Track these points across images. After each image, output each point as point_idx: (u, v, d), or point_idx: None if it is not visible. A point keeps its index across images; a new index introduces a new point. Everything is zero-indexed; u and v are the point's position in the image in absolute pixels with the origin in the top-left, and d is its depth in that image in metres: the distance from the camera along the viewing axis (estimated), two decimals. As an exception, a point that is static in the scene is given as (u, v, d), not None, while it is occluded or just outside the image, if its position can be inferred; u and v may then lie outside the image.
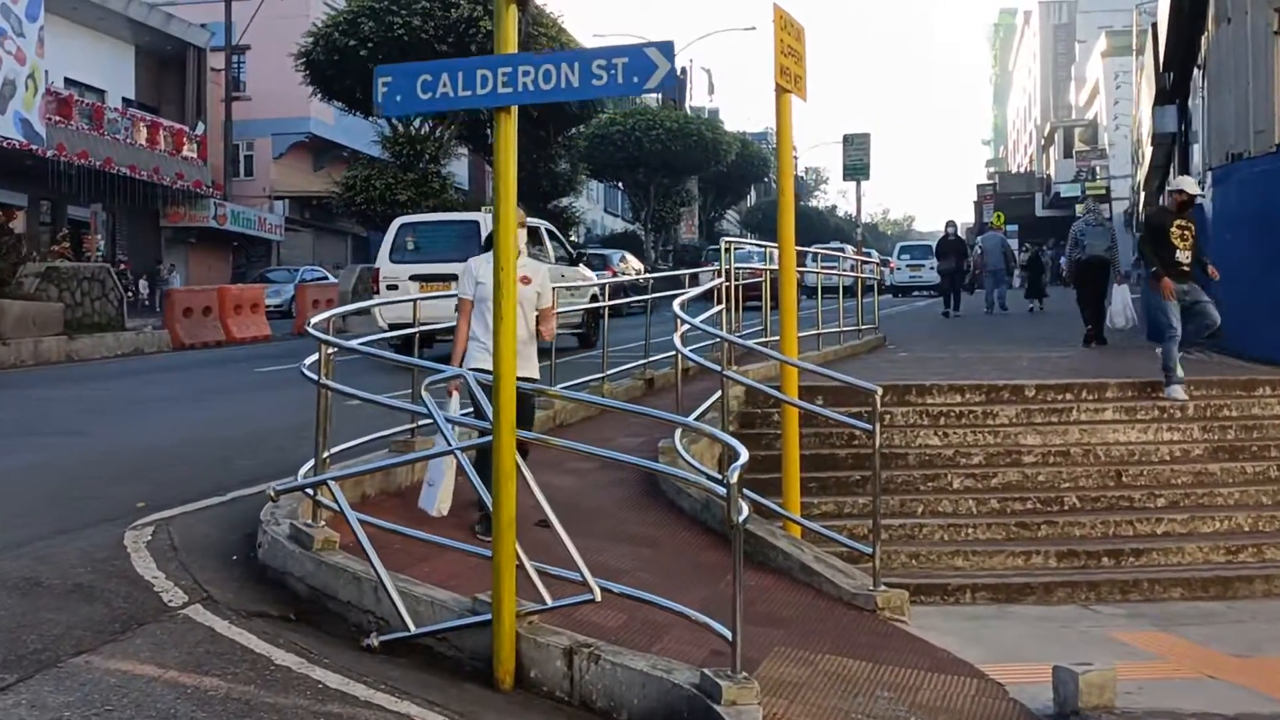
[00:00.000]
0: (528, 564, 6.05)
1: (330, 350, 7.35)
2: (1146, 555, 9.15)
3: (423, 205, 33.09)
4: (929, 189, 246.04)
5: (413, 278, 15.16)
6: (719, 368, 8.59)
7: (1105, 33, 59.88)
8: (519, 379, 6.01)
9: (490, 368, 6.10)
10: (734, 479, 5.16)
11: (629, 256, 42.74)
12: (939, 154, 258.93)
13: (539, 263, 8.18)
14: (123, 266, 42.03)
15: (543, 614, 6.07)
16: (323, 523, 7.10)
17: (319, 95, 34.51)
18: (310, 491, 7.10)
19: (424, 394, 6.60)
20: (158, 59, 46.98)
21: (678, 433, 9.47)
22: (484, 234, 20.99)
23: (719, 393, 9.30)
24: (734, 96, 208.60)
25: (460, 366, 7.39)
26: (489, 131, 42.24)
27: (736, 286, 13.97)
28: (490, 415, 5.87)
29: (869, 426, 7.52)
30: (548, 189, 41.54)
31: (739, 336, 12.48)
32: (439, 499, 7.74)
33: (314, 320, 7.44)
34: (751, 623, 6.64)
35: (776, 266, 10.34)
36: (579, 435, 11.37)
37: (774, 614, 7.20)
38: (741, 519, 5.20)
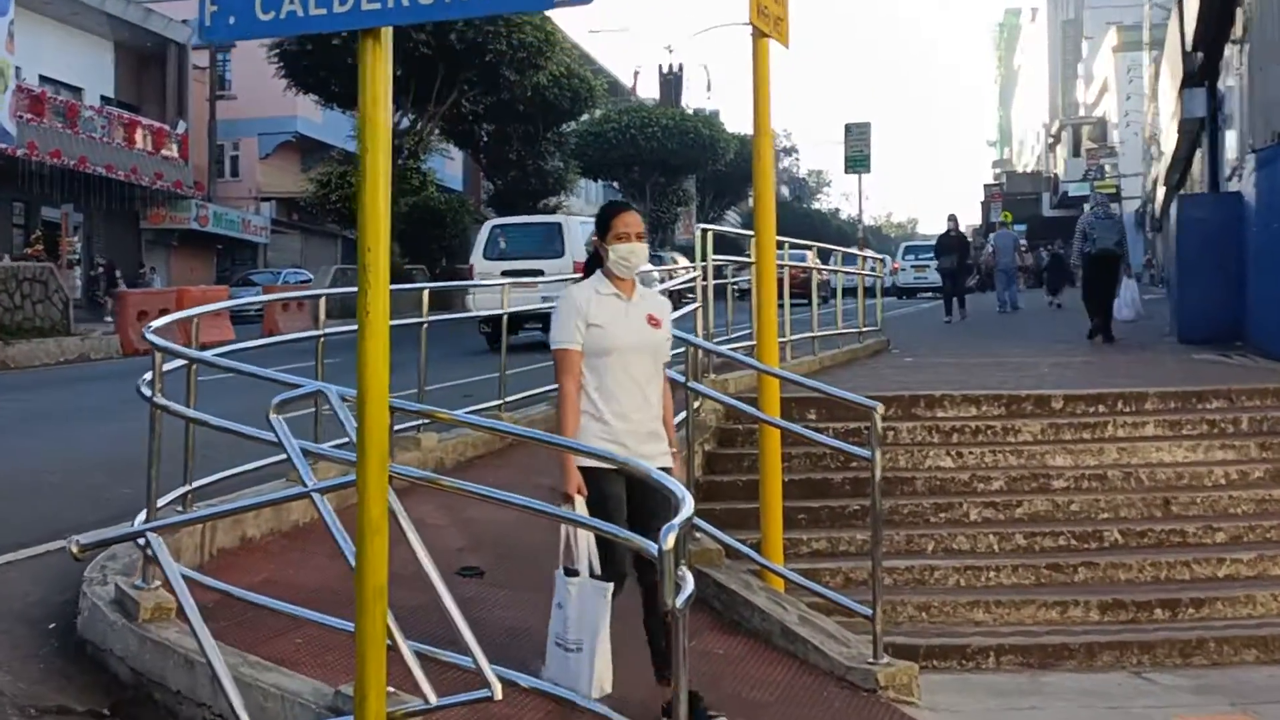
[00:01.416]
0: (403, 646, 4.47)
1: (174, 364, 5.76)
2: (1209, 605, 7.49)
3: (401, 203, 31.56)
4: (932, 192, 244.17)
5: (503, 273, 15.78)
6: (683, 379, 6.97)
7: (1115, 28, 58.14)
8: (658, 469, 4.36)
9: (622, 455, 4.69)
10: (668, 544, 3.59)
11: (679, 256, 40.61)
12: (942, 157, 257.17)
13: (662, 296, 5.48)
14: (101, 269, 40.58)
15: (426, 715, 4.48)
16: (158, 583, 5.48)
17: (294, 89, 32.91)
18: (143, 541, 5.48)
19: (271, 417, 4.98)
20: (138, 56, 45.43)
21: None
22: (567, 237, 19.19)
23: (689, 410, 7.66)
24: (733, 97, 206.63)
25: (571, 439, 5.02)
26: (477, 128, 41.18)
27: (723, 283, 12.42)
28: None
29: (866, 453, 5.90)
30: (537, 187, 39.98)
31: (718, 340, 10.89)
32: (596, 674, 4.67)
33: (155, 325, 5.83)
34: (716, 708, 5.07)
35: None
36: (521, 460, 9.77)
37: (745, 696, 5.60)
38: (681, 601, 3.64)
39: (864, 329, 16.11)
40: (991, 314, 25.36)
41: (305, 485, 4.89)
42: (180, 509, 6.39)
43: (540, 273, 14.01)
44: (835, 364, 13.90)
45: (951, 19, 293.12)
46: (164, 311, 24.02)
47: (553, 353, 4.95)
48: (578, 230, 19.49)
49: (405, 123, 32.11)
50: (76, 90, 41.51)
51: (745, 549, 6.67)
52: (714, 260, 10.92)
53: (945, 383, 11.18)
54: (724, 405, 7.37)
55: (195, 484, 6.54)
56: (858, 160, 22.39)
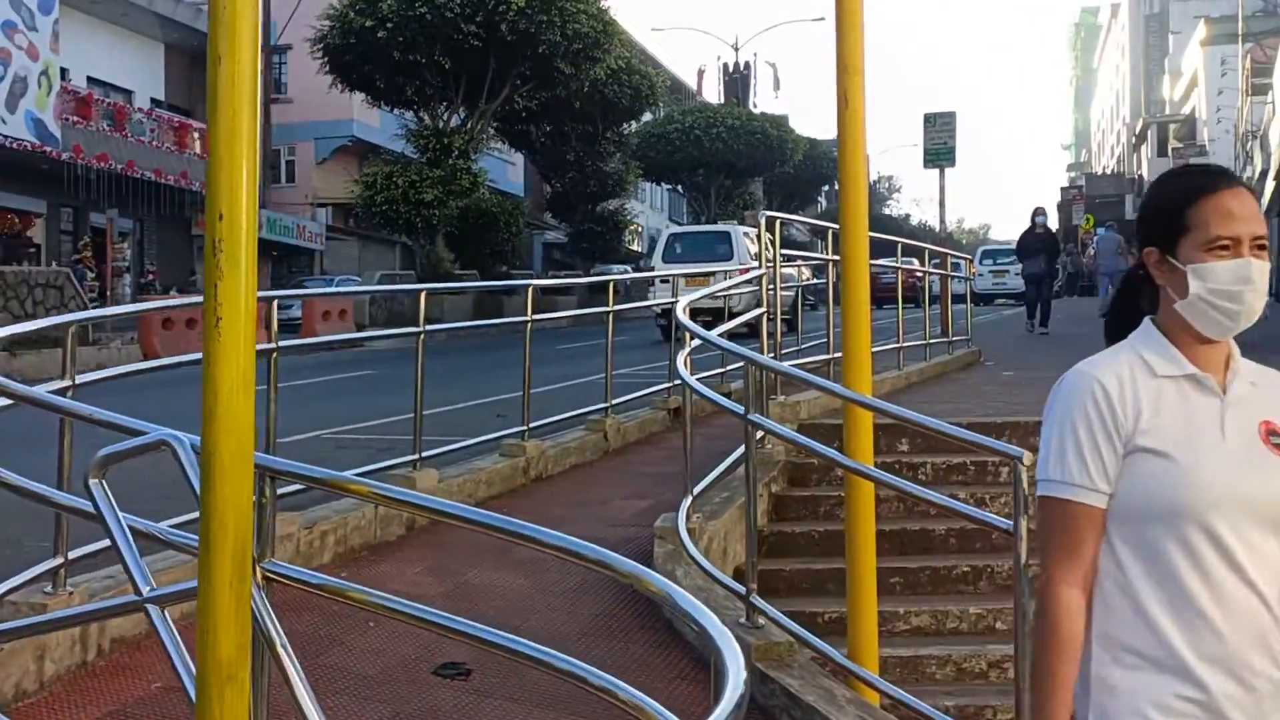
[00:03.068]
0: None
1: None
2: None
3: (451, 205, 29.98)
4: (1004, 198, 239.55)
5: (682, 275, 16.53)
6: (740, 409, 5.13)
7: (1203, 20, 55.37)
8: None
9: None
10: None
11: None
12: (1013, 162, 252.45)
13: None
14: (150, 276, 39.49)
15: None
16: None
17: (339, 84, 31.45)
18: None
19: (91, 482, 3.22)
20: (189, 57, 44.36)
21: (684, 506, 6.06)
22: (735, 243, 21.09)
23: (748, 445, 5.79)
24: (802, 97, 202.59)
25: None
26: (534, 127, 39.55)
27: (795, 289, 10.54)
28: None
29: (1007, 524, 4.02)
30: (596, 189, 38.22)
31: (787, 355, 9.02)
32: None
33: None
34: None
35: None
36: (560, 489, 8.01)
37: None
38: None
39: (953, 338, 14.14)
40: (1092, 318, 23.08)
41: (138, 592, 3.11)
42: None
43: (709, 274, 14.17)
44: (924, 379, 11.96)
45: (1021, 23, 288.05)
46: (191, 321, 22.72)
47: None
48: (743, 238, 21.33)
49: (455, 120, 30.48)
50: (127, 93, 40.52)
51: (827, 649, 4.80)
52: (783, 258, 9.05)
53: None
54: (796, 445, 5.47)
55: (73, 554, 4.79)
56: (940, 153, 20.20)
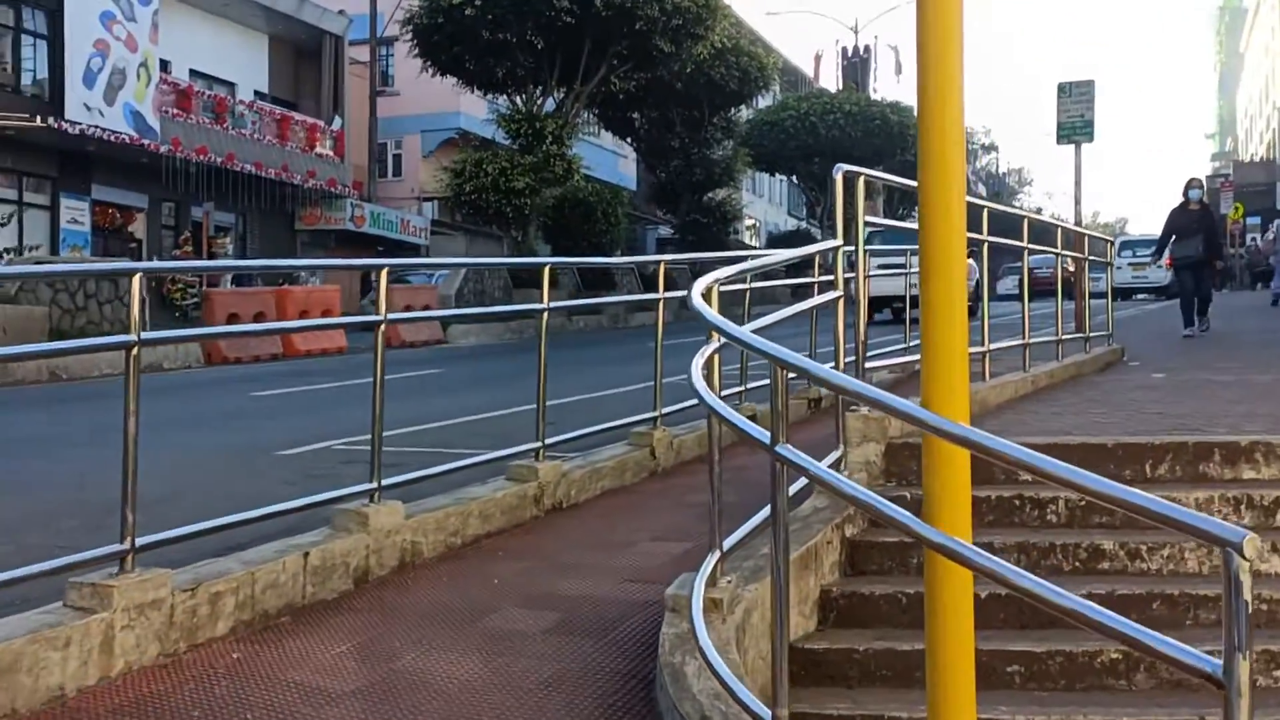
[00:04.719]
0: None
1: None
2: None
3: (544, 194, 28.35)
4: (1141, 190, 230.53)
5: (879, 266, 17.13)
6: (765, 436, 3.32)
7: (1364, -7, 51.35)
8: None
9: None
10: None
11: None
12: (1151, 155, 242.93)
13: None
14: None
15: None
16: None
17: (429, 68, 30.09)
18: None
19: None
20: (293, 49, 43.70)
21: (707, 567, 4.25)
22: None
23: (775, 494, 3.88)
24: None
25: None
26: (637, 114, 37.69)
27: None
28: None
29: (1213, 665, 2.12)
30: (701, 178, 36.30)
31: (874, 354, 7.15)
32: None
33: None
34: None
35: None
36: (579, 524, 6.27)
37: None
38: None
39: (1091, 334, 12.01)
40: (1260, 308, 20.62)
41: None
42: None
43: (902, 266, 14.77)
44: (1055, 383, 9.89)
45: (1157, 9, 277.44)
46: (259, 315, 21.52)
47: None
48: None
49: (550, 104, 28.86)
50: (230, 85, 39.91)
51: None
52: (867, 228, 7.14)
53: (1235, 415, 7.16)
54: (845, 498, 3.49)
55: None
56: (1077, 127, 17.71)
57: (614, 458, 7.47)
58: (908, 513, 2.94)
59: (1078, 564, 5.51)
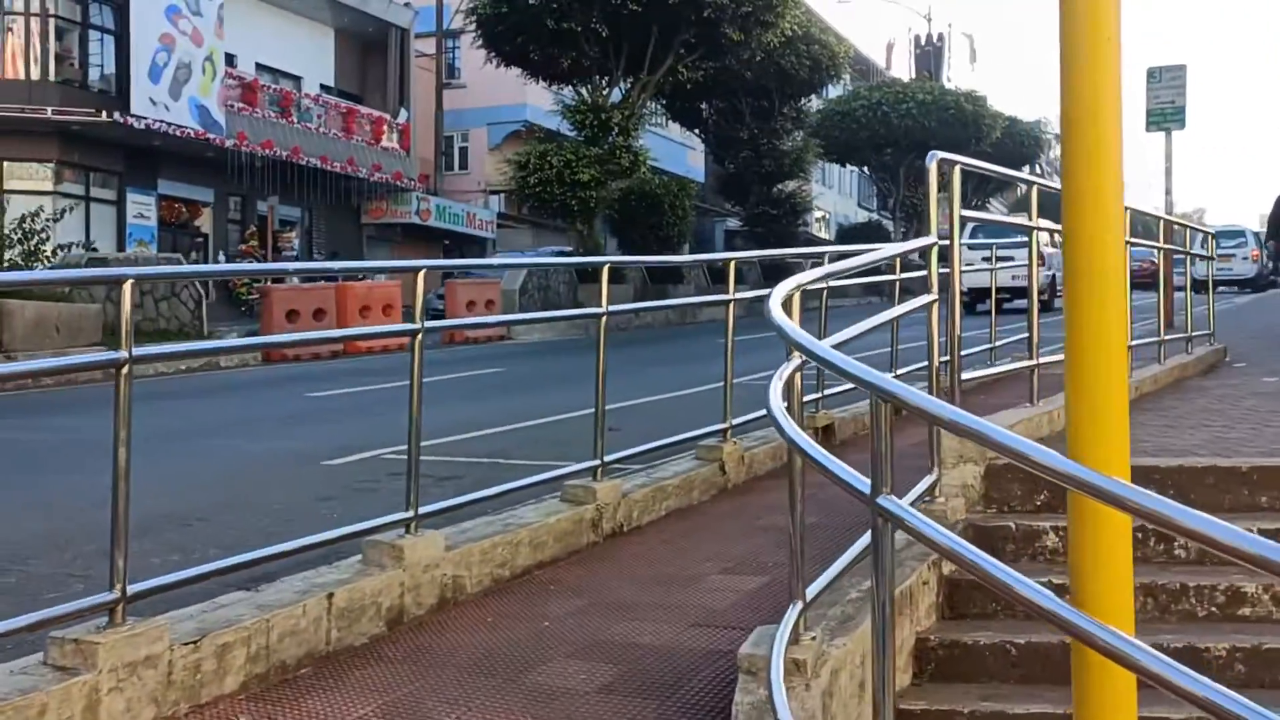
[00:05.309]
0: None
1: None
2: None
3: (610, 186, 27.72)
4: (1220, 181, 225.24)
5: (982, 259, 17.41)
6: (865, 485, 2.67)
7: None
8: None
9: None
10: None
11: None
12: (1230, 142, 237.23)
13: None
14: (320, 265, 38.74)
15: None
16: None
17: (494, 60, 29.60)
18: None
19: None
20: (359, 42, 43.51)
21: (789, 622, 3.62)
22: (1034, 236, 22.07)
23: (877, 551, 3.22)
24: (1000, 72, 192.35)
25: None
26: (705, 104, 36.96)
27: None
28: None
29: None
30: (771, 169, 35.49)
31: (973, 359, 6.47)
32: None
33: None
34: None
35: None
36: (641, 552, 5.65)
37: None
38: None
39: (1193, 334, 11.18)
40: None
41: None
42: None
43: (1011, 258, 14.91)
44: (1157, 389, 9.10)
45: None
46: (319, 311, 21.13)
47: None
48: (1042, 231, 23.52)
49: (616, 95, 28.22)
50: (295, 79, 39.79)
51: None
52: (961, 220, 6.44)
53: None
54: (1021, 602, 2.79)
55: None
56: (1167, 114, 16.68)
57: (680, 475, 6.83)
58: (1085, 615, 2.26)
59: (1214, 609, 4.80)
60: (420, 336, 4.91)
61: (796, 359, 3.84)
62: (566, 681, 4.21)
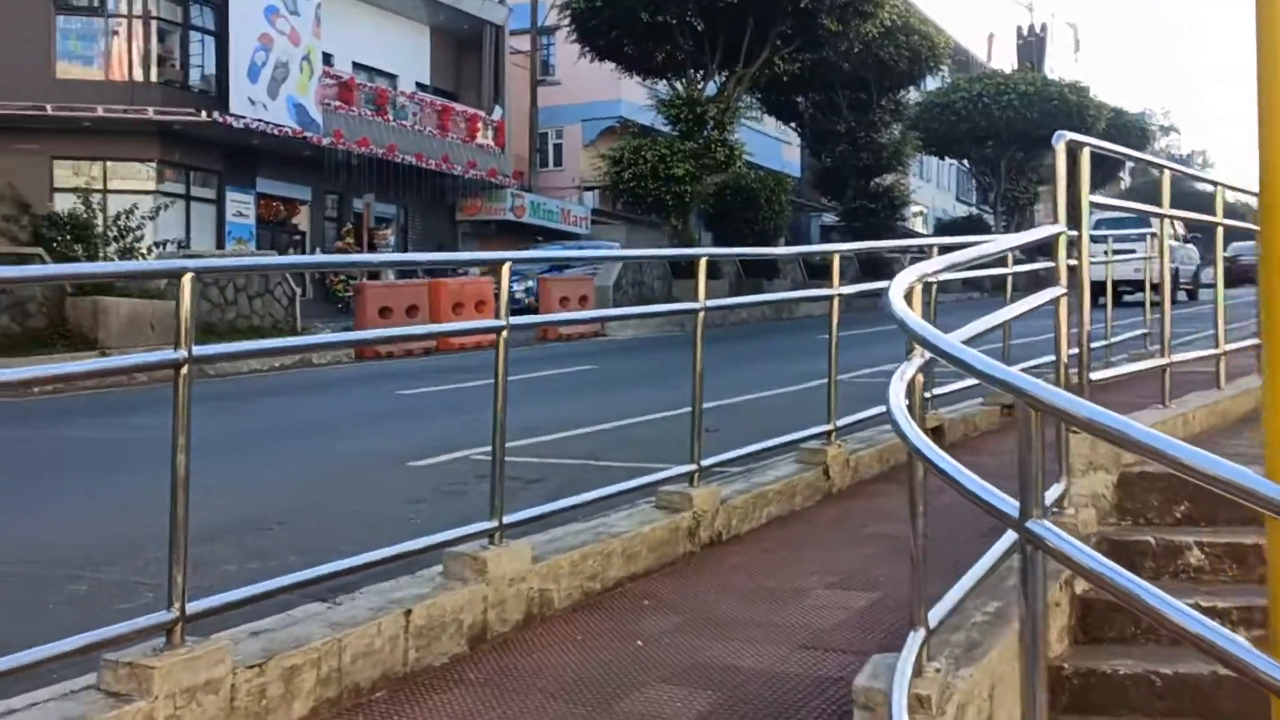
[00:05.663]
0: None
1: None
2: None
3: (706, 181, 27.31)
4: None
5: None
6: (1013, 508, 2.26)
7: None
8: None
9: None
10: None
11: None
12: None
13: None
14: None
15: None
16: None
17: (588, 55, 29.36)
18: None
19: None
20: (454, 40, 43.62)
21: (912, 648, 3.21)
22: (1153, 223, 22.93)
23: (1026, 583, 2.80)
24: (1104, 63, 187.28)
25: None
26: (802, 97, 36.30)
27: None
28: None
29: None
30: (869, 162, 34.79)
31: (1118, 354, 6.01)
32: None
33: None
34: None
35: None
36: (740, 563, 5.28)
37: None
38: None
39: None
40: None
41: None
42: None
43: (1132, 251, 15.42)
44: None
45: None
46: (412, 308, 21.03)
47: None
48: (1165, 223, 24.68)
49: (711, 89, 27.79)
50: (391, 77, 39.99)
51: None
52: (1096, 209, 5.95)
53: None
54: (1113, 595, 2.38)
55: None
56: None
57: (781, 480, 6.43)
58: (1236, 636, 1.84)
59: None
60: (505, 334, 4.59)
61: (919, 357, 3.43)
62: (662, 709, 3.85)
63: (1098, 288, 17.83)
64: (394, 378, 14.90)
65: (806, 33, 26.82)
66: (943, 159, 56.84)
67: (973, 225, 50.39)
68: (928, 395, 8.12)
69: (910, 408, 3.33)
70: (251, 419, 10.76)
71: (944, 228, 53.20)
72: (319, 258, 32.14)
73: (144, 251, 16.34)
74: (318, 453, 8.89)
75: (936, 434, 8.13)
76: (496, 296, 4.83)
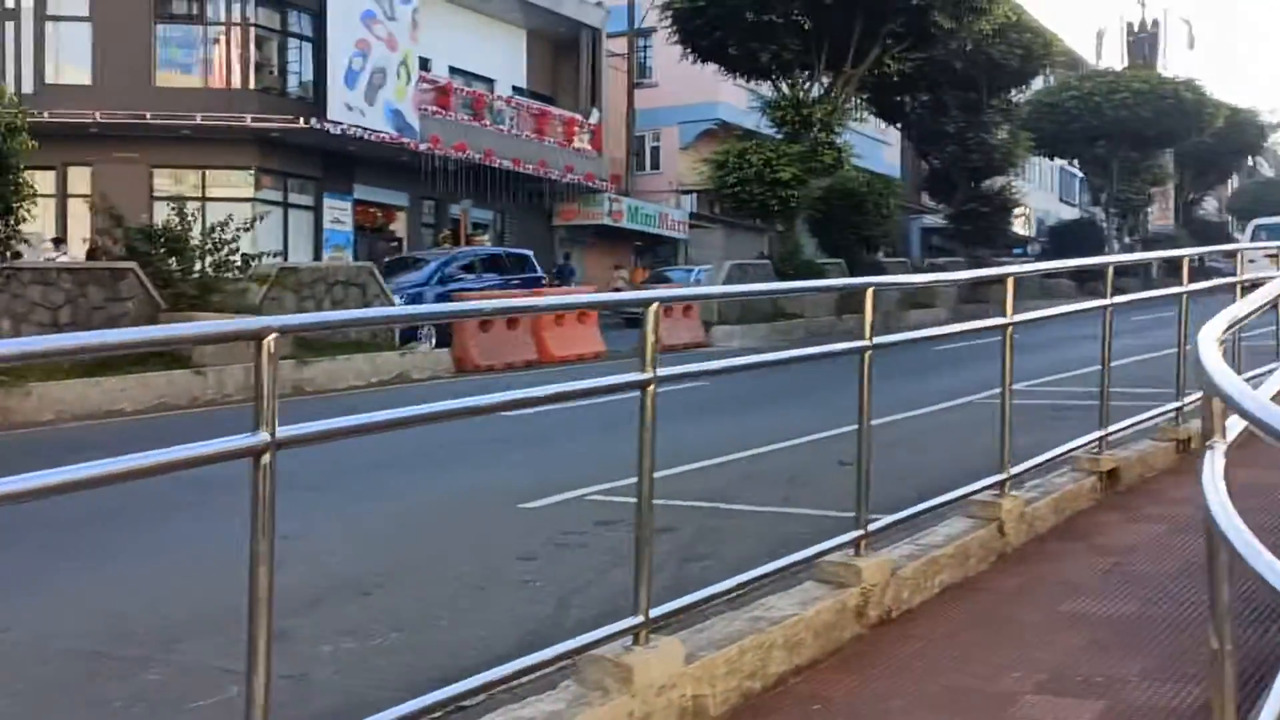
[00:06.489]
0: None
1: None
2: None
3: (811, 185, 26.35)
4: None
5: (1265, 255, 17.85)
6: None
7: None
8: None
9: None
10: None
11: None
12: None
13: None
14: (516, 268, 38.42)
15: None
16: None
17: (688, 54, 28.57)
18: None
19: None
20: (551, 43, 43.15)
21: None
22: None
23: None
24: (1219, 59, 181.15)
25: None
26: (909, 97, 35.16)
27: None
28: None
29: None
30: (979, 164, 33.58)
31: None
32: None
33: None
34: None
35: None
36: (918, 651, 4.43)
37: None
38: None
39: None
40: None
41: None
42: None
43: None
44: None
45: None
46: (512, 321, 20.36)
47: None
48: None
49: (817, 90, 26.86)
50: (488, 81, 39.60)
51: None
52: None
53: None
54: None
55: None
56: None
57: (952, 541, 5.54)
58: None
59: None
60: (654, 389, 3.79)
61: (1235, 424, 2.56)
62: None
63: None
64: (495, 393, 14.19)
65: (918, 30, 25.78)
66: (1052, 159, 55.17)
67: (1085, 228, 48.73)
68: (1101, 434, 7.19)
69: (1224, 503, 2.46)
70: (345, 448, 10.10)
71: (1054, 231, 51.58)
72: (454, 306, 31.82)
73: (239, 266, 15.86)
74: (418, 491, 8.15)
75: (1112, 477, 7.20)
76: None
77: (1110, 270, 6.85)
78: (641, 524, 3.82)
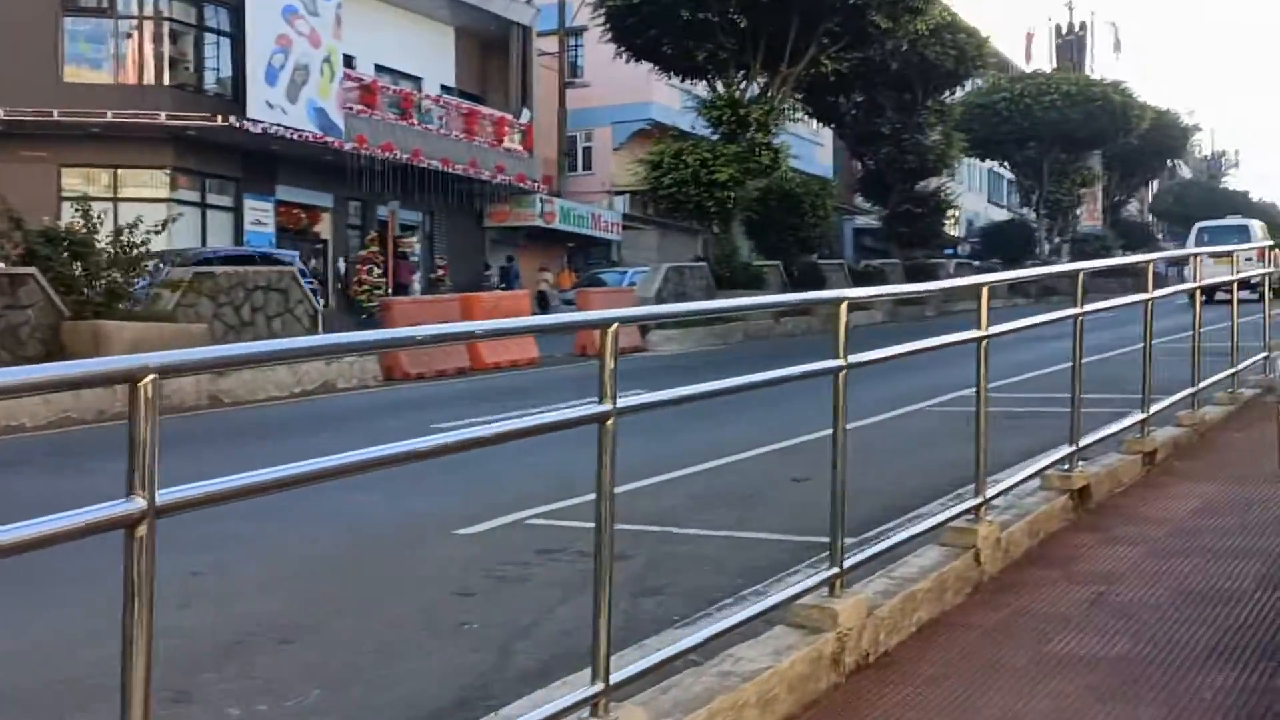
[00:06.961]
0: None
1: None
2: None
3: (748, 186, 25.97)
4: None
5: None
6: None
7: None
8: None
9: None
10: None
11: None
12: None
13: None
14: (440, 271, 37.65)
15: None
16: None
17: (622, 54, 28.08)
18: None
19: None
20: (480, 42, 42.45)
21: None
22: (1252, 235, 22.12)
23: None
24: (1145, 62, 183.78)
25: None
26: (843, 98, 34.92)
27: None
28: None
29: None
30: (914, 165, 33.47)
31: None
32: None
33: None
34: None
35: None
36: (902, 701, 3.94)
37: None
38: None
39: None
40: None
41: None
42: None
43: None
44: None
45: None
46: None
47: None
48: (1257, 229, 26.62)
49: (754, 89, 26.49)
50: (416, 80, 38.86)
51: None
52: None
53: None
54: None
55: None
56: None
57: (928, 573, 5.07)
58: None
59: None
60: (612, 422, 3.28)
61: None
62: None
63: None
64: (428, 406, 13.61)
65: (855, 29, 25.51)
66: (984, 161, 55.54)
67: (1015, 229, 49.00)
68: (1074, 449, 6.80)
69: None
70: (261, 465, 9.48)
71: (986, 232, 51.85)
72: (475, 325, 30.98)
73: (149, 270, 15.04)
74: (343, 514, 7.49)
75: (1083, 495, 6.81)
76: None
77: (1081, 276, 6.43)
78: (600, 578, 3.30)
